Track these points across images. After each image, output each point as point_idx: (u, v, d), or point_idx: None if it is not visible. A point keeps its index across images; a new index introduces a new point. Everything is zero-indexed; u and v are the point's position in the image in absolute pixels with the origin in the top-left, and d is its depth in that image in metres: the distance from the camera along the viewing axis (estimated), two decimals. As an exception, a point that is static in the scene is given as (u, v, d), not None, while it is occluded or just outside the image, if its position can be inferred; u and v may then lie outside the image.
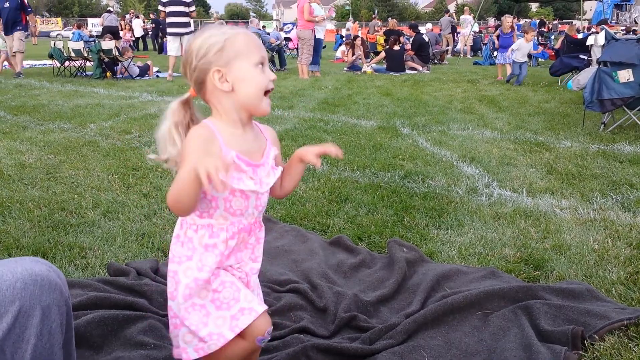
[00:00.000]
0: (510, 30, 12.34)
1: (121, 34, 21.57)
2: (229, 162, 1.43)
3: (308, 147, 1.63)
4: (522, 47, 11.19)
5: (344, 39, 22.08)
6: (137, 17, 27.25)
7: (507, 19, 12.56)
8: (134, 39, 24.26)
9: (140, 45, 25.89)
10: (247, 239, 1.62)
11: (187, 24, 11.63)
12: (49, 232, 3.13)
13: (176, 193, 1.37)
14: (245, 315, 1.54)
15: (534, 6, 65.75)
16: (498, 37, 12.86)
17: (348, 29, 26.25)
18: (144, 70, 12.67)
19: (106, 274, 2.67)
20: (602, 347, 2.04)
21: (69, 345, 1.29)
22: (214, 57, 1.46)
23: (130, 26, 24.82)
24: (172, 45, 11.70)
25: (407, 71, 14.43)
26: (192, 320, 1.55)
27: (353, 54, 15.49)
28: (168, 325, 2.16)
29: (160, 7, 11.96)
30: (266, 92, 1.50)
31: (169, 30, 11.71)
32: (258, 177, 1.54)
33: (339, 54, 19.93)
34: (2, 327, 1.11)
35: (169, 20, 11.57)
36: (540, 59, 17.32)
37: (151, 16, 28.06)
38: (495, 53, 13.51)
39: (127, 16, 27.33)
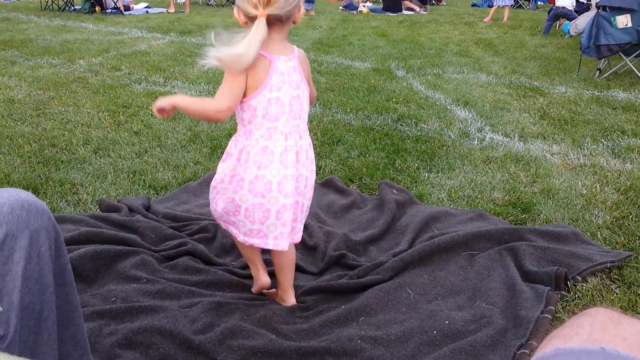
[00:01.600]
0: None
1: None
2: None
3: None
4: None
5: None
6: None
7: None
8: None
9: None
10: None
11: None
12: (39, 168, 3.12)
13: None
14: None
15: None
16: None
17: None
18: (126, 8, 12.27)
19: (98, 210, 2.68)
20: (584, 288, 2.09)
21: (65, 272, 1.30)
22: None
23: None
24: None
25: (404, 12, 14.11)
26: None
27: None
28: (160, 260, 2.20)
29: None
30: None
31: None
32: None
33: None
34: None
35: None
36: (539, 2, 16.97)
37: None
38: None
39: None
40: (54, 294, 1.21)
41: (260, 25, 1.62)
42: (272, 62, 1.70)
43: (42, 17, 10.60)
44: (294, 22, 1.77)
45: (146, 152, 3.45)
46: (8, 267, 1.12)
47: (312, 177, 1.88)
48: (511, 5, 14.54)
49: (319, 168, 3.31)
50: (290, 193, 1.79)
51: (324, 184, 3.07)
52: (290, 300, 2.02)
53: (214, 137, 3.73)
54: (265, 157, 1.75)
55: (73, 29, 9.06)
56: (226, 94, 1.70)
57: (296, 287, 2.08)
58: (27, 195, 1.19)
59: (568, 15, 10.28)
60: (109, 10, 11.68)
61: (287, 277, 2.01)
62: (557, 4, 10.64)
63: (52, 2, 12.21)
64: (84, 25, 9.58)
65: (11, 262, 1.13)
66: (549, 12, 10.77)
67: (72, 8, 12.08)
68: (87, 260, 2.13)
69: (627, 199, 2.94)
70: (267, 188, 1.77)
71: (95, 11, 11.63)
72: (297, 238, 1.94)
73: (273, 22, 1.67)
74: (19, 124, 3.91)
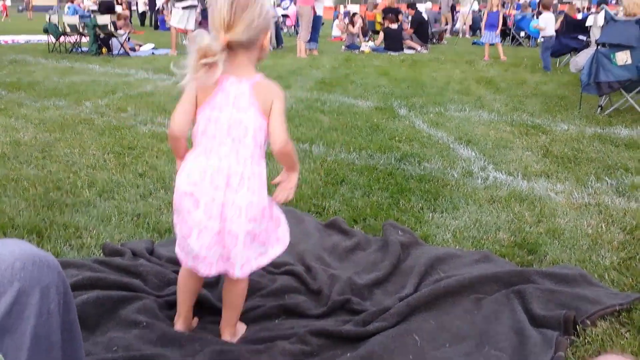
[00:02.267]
0: (497, 8, 12.17)
1: (118, 8, 21.28)
2: None
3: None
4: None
5: (341, 15, 21.83)
6: None
7: None
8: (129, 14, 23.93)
9: (137, 21, 25.57)
10: None
11: None
12: (44, 212, 3.13)
13: None
14: None
15: (534, -15, 64.96)
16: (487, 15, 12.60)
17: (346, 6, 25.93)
18: (132, 49, 12.50)
19: (101, 254, 2.67)
20: (594, 332, 2.06)
21: (73, 328, 1.29)
22: (268, 20, 1.69)
23: (128, 2, 24.50)
24: (182, 18, 11.54)
25: (406, 50, 14.31)
26: None
27: (353, 28, 15.32)
28: (163, 305, 2.18)
29: None
30: None
31: (188, 2, 11.50)
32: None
33: (335, 31, 19.75)
34: (2, 307, 1.12)
35: None
36: (538, 40, 17.19)
37: None
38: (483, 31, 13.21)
39: None
40: (61, 350, 1.20)
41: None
42: (220, 82, 1.71)
43: (50, 59, 10.79)
44: (262, 49, 1.77)
45: (150, 194, 3.46)
46: (18, 324, 1.12)
47: (242, 206, 1.75)
48: (512, 43, 14.76)
49: (322, 209, 3.31)
50: (199, 212, 1.77)
51: (328, 225, 3.06)
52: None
53: (218, 178, 3.74)
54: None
55: (80, 71, 9.21)
56: (177, 108, 1.77)
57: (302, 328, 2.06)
58: (38, 250, 1.20)
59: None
60: (116, 52, 11.89)
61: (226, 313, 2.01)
62: (543, 35, 10.85)
63: (60, 44, 12.44)
64: (91, 67, 9.74)
65: (21, 319, 1.13)
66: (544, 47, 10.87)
67: (80, 50, 12.31)
68: (90, 307, 2.11)
69: (633, 238, 2.92)
70: (177, 202, 1.80)
71: (103, 53, 11.83)
72: (200, 268, 1.84)
73: (236, 47, 1.68)
74: (24, 166, 3.93)
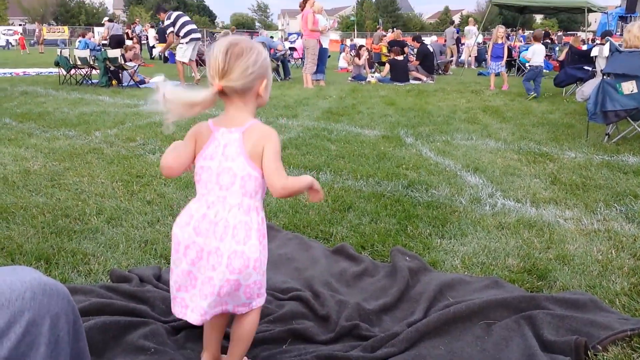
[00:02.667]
0: (501, 40, 12.36)
1: (129, 42, 21.70)
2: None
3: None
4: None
5: (348, 47, 22.12)
6: (152, 27, 27.61)
7: (500, 30, 12.57)
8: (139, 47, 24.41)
9: (146, 54, 26.01)
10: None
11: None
12: (52, 239, 3.14)
13: None
14: None
15: (538, 17, 65.83)
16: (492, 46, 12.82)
17: (352, 39, 26.30)
18: (140, 82, 12.68)
19: (109, 281, 2.67)
20: (605, 357, 2.03)
21: (82, 355, 1.29)
22: (265, 68, 1.71)
23: (138, 36, 25.03)
24: (186, 52, 11.95)
25: (411, 81, 14.44)
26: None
27: (359, 59, 15.50)
28: (170, 330, 2.16)
29: (169, 29, 12.06)
30: None
31: (191, 36, 11.95)
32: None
33: (342, 63, 19.98)
34: (12, 337, 1.12)
35: (187, 28, 11.87)
36: (544, 70, 17.32)
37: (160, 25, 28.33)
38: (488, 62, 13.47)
39: (132, 26, 27.57)
40: None
41: (205, 96, 1.67)
42: (213, 132, 1.74)
43: (60, 91, 10.96)
44: (258, 96, 1.77)
45: (158, 221, 3.47)
46: (28, 352, 1.12)
47: (224, 254, 1.70)
48: (518, 73, 14.86)
49: (330, 235, 3.30)
50: (177, 254, 1.77)
51: (335, 252, 3.05)
52: None
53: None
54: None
55: (90, 102, 9.33)
56: (169, 148, 1.82)
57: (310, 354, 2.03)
58: (47, 279, 1.21)
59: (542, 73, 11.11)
60: (126, 84, 12.06)
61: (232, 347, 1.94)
62: (530, 64, 11.25)
63: (71, 76, 12.64)
64: (101, 98, 9.87)
65: (32, 348, 1.13)
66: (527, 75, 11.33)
67: (90, 82, 12.49)
68: (96, 333, 2.10)
69: (644, 264, 2.89)
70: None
71: (113, 85, 12.01)
72: (177, 311, 1.82)
73: (230, 93, 1.70)
74: (33, 194, 3.96)
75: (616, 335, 2.13)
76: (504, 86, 12.26)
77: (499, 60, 12.22)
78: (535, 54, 11.08)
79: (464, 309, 2.31)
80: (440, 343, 2.16)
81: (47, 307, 1.17)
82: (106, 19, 24.60)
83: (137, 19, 35.73)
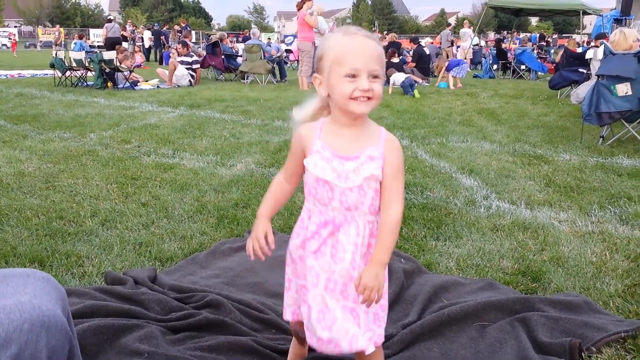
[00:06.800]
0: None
1: (125, 45, 21.67)
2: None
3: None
4: None
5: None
6: (148, 29, 27.64)
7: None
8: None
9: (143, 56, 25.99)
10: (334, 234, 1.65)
11: None
12: (46, 241, 3.13)
13: None
14: None
15: (533, 20, 66.11)
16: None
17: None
18: (134, 83, 12.66)
19: (103, 283, 2.66)
20: (599, 359, 2.03)
21: None
22: (318, 64, 1.64)
23: (134, 37, 25.04)
24: (184, 78, 12.95)
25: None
26: None
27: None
28: (165, 331, 2.15)
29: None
30: (355, 98, 1.54)
31: (188, 60, 12.98)
32: (344, 170, 1.59)
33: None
34: None
35: None
36: (539, 73, 17.39)
37: (155, 27, 28.28)
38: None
39: (129, 27, 27.57)
40: None
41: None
42: None
43: (55, 93, 10.93)
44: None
45: (153, 223, 3.46)
46: None
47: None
48: (513, 76, 14.94)
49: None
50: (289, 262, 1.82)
51: (331, 254, 3.04)
52: None
53: (221, 207, 3.75)
54: None
55: (85, 104, 9.31)
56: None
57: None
58: (47, 309, 1.22)
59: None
60: (121, 86, 12.04)
61: None
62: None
63: (66, 78, 12.61)
64: (96, 100, 9.85)
65: None
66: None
67: (85, 84, 12.47)
68: (90, 335, 2.09)
69: (637, 266, 2.90)
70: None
71: (108, 87, 11.98)
72: (285, 314, 1.86)
73: None
74: (28, 196, 3.95)
75: (610, 337, 2.13)
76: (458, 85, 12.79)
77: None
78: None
79: (459, 311, 2.31)
80: (435, 345, 2.16)
81: (45, 340, 1.19)
82: (110, 18, 24.59)
83: (129, 21, 35.73)
